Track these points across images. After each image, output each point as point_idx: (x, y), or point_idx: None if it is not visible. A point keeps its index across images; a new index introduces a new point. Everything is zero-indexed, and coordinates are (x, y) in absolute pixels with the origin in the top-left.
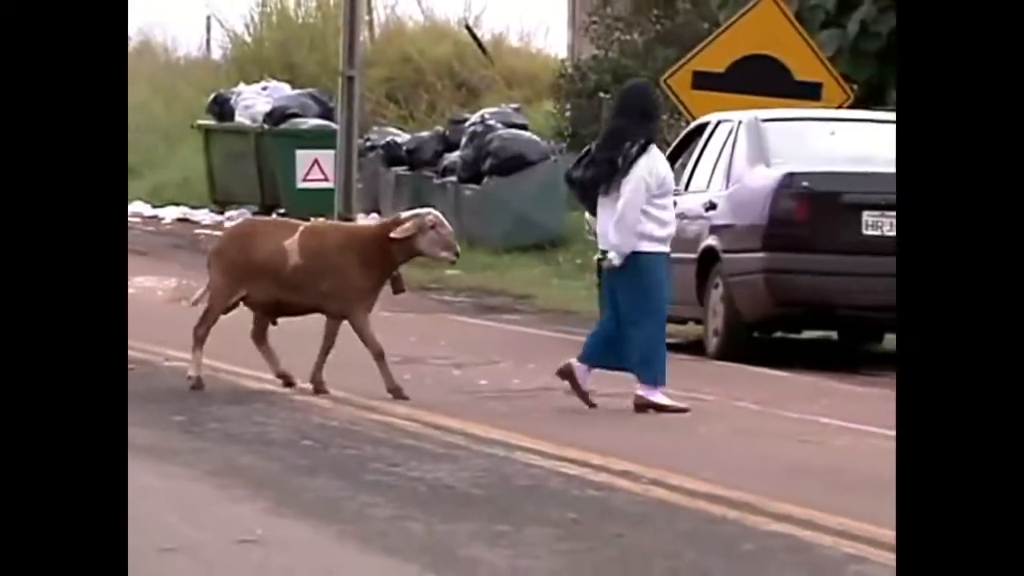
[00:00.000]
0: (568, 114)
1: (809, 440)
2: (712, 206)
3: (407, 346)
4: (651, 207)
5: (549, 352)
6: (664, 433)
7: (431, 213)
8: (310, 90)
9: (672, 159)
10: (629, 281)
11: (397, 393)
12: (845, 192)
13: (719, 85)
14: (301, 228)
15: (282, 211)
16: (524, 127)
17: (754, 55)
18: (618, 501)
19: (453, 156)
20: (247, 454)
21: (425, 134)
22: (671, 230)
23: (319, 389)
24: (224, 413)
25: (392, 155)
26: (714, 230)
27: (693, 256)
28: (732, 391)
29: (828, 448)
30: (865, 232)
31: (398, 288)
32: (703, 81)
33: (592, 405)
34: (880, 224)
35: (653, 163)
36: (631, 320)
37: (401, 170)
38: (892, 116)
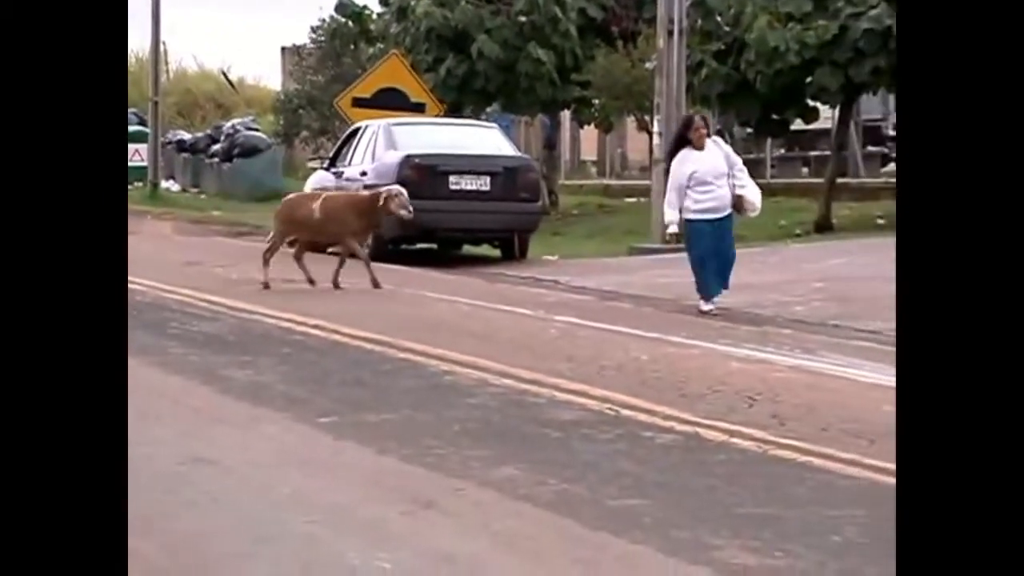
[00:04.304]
0: (281, 123)
1: (419, 306)
2: (364, 173)
3: (193, 255)
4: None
5: (275, 258)
6: (341, 303)
7: (395, 187)
8: (133, 110)
9: (341, 147)
10: None
11: (376, 284)
12: (440, 164)
13: (368, 104)
14: (323, 196)
15: None
16: (257, 130)
17: (387, 87)
18: (313, 342)
19: (216, 147)
20: None
21: (200, 134)
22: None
23: (336, 286)
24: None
25: (181, 147)
26: (366, 187)
27: None
28: (379, 278)
29: (429, 310)
30: (452, 187)
31: (377, 231)
32: (359, 102)
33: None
34: (459, 183)
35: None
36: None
37: (187, 155)
38: (467, 121)
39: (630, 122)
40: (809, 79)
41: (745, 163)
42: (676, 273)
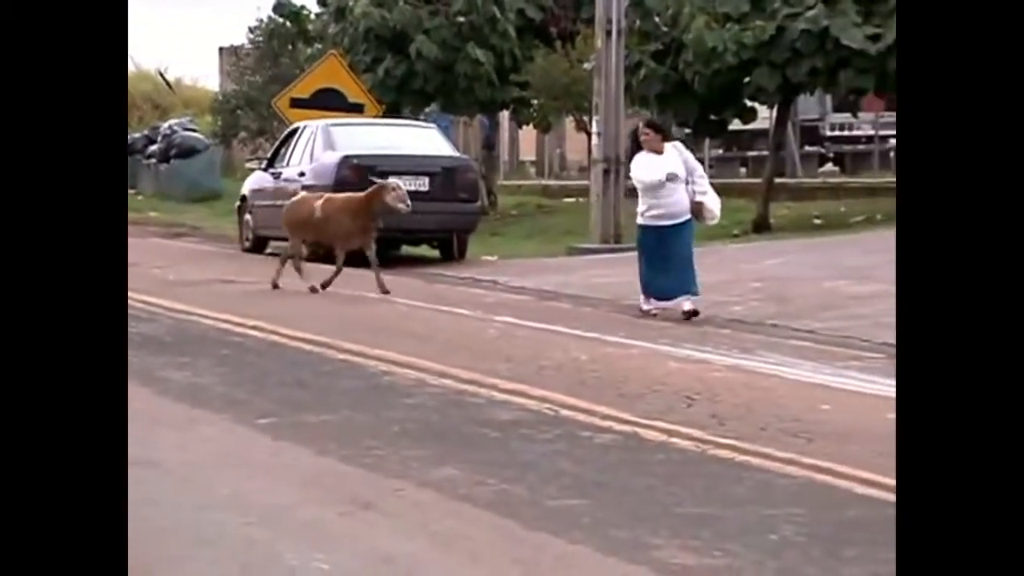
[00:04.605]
0: (219, 123)
1: (358, 306)
2: (303, 174)
3: (130, 257)
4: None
5: (213, 260)
6: (280, 304)
7: (392, 182)
8: None
9: (279, 148)
10: None
11: (324, 286)
12: (378, 165)
13: (307, 105)
14: (324, 197)
15: None
16: (195, 130)
17: (326, 87)
18: (251, 343)
19: (154, 147)
20: None
21: (137, 135)
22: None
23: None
24: None
25: None
26: (304, 187)
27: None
28: (317, 277)
29: (368, 310)
30: None
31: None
32: (297, 103)
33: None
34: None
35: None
36: None
37: None
38: (406, 122)
39: (569, 122)
40: (747, 79)
41: None
42: (615, 273)
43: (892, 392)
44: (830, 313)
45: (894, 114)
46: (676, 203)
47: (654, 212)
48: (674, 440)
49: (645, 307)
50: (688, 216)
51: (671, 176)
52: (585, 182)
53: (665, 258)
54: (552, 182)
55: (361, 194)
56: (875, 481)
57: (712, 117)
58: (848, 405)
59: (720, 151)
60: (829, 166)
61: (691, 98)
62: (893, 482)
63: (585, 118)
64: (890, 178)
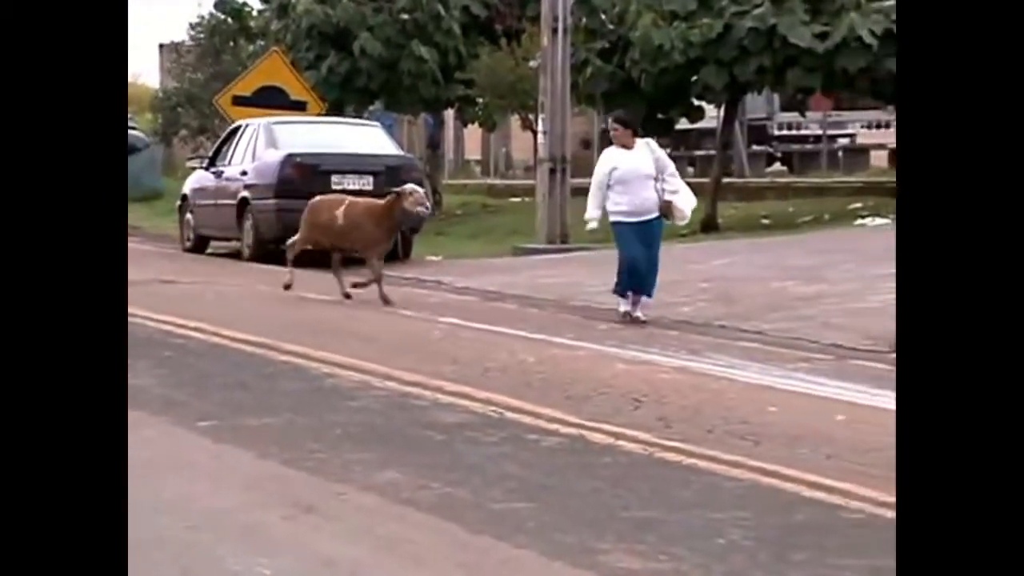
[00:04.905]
0: (160, 121)
1: (300, 307)
2: (245, 173)
3: None
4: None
5: (154, 260)
6: (222, 306)
7: (409, 185)
8: None
9: (221, 146)
10: None
11: (386, 301)
12: (321, 164)
13: (249, 102)
14: (347, 202)
15: None
16: (135, 128)
17: (268, 85)
18: (193, 345)
19: None
20: None
21: None
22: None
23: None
24: None
25: None
26: (247, 186)
27: (234, 202)
28: (259, 279)
29: (311, 311)
30: (333, 186)
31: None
32: (239, 100)
33: (347, 296)
34: (342, 182)
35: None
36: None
37: None
38: (349, 120)
39: (514, 121)
40: (694, 78)
41: None
42: (561, 273)
43: (840, 393)
44: (778, 314)
45: (842, 113)
46: (644, 200)
47: (620, 208)
48: (621, 443)
49: (623, 309)
50: (656, 214)
51: (621, 178)
52: (531, 181)
53: (639, 257)
54: (498, 181)
55: (381, 201)
56: (823, 484)
57: (659, 116)
58: (796, 407)
59: (667, 150)
60: (777, 166)
61: (638, 97)
62: (841, 485)
63: (531, 116)
64: (838, 178)
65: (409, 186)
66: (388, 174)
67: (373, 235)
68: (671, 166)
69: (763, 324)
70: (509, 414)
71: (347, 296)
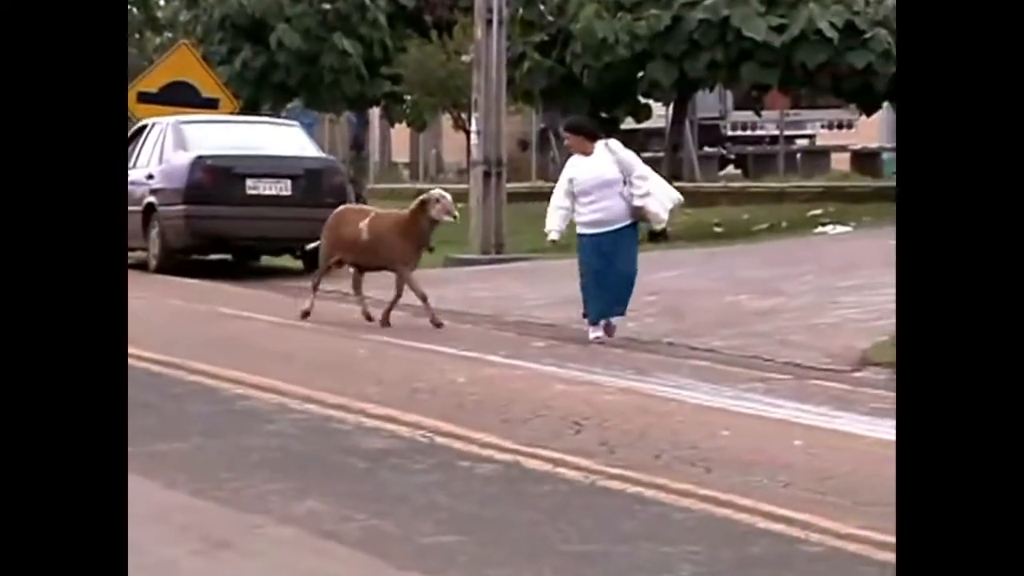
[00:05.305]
0: None
1: (212, 323)
2: (151, 176)
3: None
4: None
5: None
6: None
7: (435, 192)
8: None
9: (126, 148)
10: None
11: (436, 322)
12: (235, 166)
13: (155, 100)
14: (371, 215)
15: None
16: None
17: (176, 80)
18: None
19: None
20: None
21: None
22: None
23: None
24: None
25: None
26: (153, 191)
27: (139, 208)
28: (166, 292)
29: (223, 328)
30: (248, 192)
31: (428, 249)
32: (145, 97)
33: (369, 318)
34: (257, 186)
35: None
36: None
37: None
38: (265, 119)
39: (445, 120)
40: (640, 73)
41: None
42: (495, 286)
43: (798, 416)
44: (731, 330)
45: (800, 112)
46: (606, 209)
47: (584, 219)
48: (560, 470)
49: (592, 335)
50: (626, 222)
51: (582, 189)
52: (464, 186)
53: (602, 272)
54: (427, 186)
55: (405, 211)
56: (780, 515)
57: (603, 115)
58: (751, 431)
59: None
60: (730, 169)
61: (580, 93)
62: (799, 516)
63: (463, 115)
64: (797, 182)
65: (436, 192)
66: (308, 178)
67: (402, 250)
68: (638, 166)
69: (715, 341)
70: (439, 439)
71: (368, 317)
